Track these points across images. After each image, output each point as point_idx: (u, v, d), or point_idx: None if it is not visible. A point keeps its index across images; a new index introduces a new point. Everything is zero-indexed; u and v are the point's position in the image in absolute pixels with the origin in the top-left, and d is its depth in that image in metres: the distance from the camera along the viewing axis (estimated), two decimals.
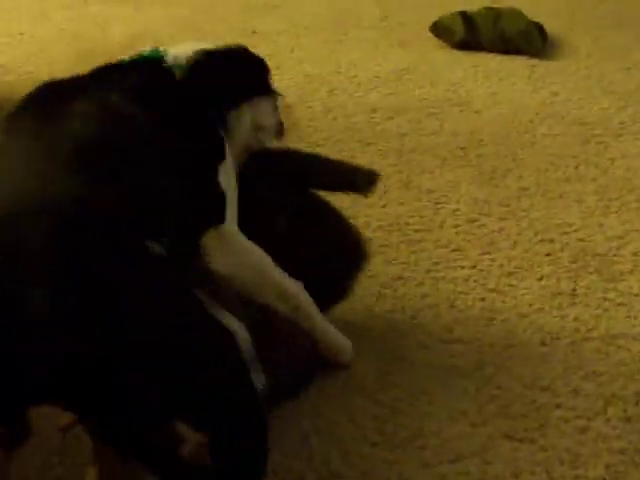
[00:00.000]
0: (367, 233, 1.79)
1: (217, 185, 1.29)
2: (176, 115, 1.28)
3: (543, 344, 1.51)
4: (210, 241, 1.26)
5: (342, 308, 1.54)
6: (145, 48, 1.41)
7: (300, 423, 1.34)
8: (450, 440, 1.32)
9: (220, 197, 1.28)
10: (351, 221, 1.51)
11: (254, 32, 2.77)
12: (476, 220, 1.84)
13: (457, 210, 1.87)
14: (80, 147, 1.13)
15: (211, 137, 1.33)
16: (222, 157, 1.32)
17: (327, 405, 1.37)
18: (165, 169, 1.21)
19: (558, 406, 1.39)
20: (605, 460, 1.29)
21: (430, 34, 2.67)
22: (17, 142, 1.18)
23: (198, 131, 1.31)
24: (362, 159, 2.05)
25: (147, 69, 1.36)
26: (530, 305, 1.60)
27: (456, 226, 1.82)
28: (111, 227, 1.03)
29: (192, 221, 1.23)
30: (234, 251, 1.28)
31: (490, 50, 2.61)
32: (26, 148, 1.16)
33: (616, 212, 1.86)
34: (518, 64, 2.55)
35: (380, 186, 1.92)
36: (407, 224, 1.83)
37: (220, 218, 1.27)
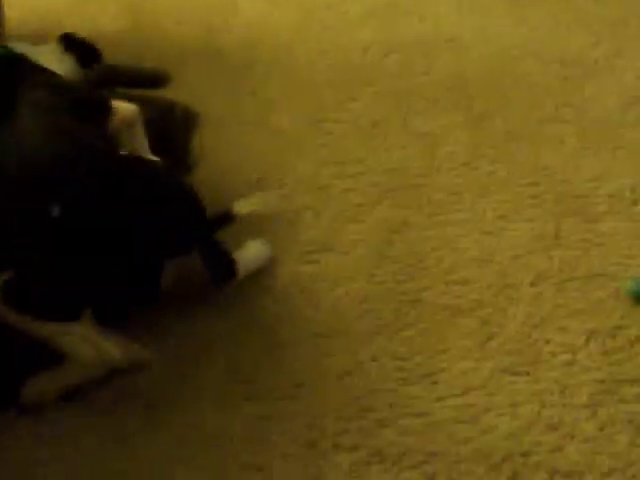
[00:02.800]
0: (372, 177, 1.99)
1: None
2: None
3: (533, 285, 1.74)
4: None
5: (358, 254, 1.77)
6: None
7: (335, 363, 1.57)
8: (458, 376, 1.56)
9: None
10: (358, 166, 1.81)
11: None
12: (469, 163, 2.04)
13: (452, 153, 2.07)
14: None
15: None
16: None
17: (354, 346, 1.60)
18: None
19: (548, 342, 1.63)
20: (588, 389, 1.54)
21: None
22: None
23: None
24: (362, 101, 2.23)
25: None
26: (521, 247, 1.83)
27: (452, 169, 2.02)
28: None
29: None
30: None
31: None
32: None
33: (594, 154, 2.07)
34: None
35: (382, 129, 2.13)
36: (408, 168, 2.02)
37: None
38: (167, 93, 1.93)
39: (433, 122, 2.17)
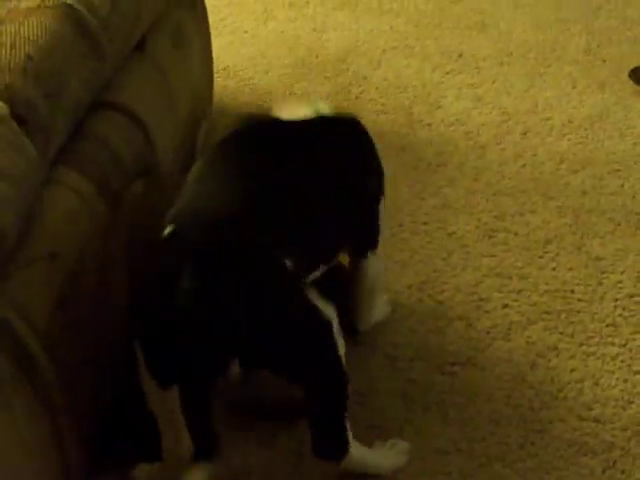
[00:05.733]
0: (534, 296, 2.02)
1: (378, 219, 1.78)
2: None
3: None
4: (370, 258, 1.80)
5: (498, 373, 1.80)
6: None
7: None
8: None
9: (379, 229, 1.80)
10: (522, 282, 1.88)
11: (460, 55, 2.96)
12: (635, 295, 2.03)
13: (620, 282, 2.06)
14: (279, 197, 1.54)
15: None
16: (383, 193, 1.78)
17: (471, 468, 1.64)
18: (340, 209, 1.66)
19: None
20: None
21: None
22: (222, 171, 1.59)
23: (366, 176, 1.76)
24: (541, 215, 2.25)
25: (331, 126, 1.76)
26: None
27: (615, 300, 2.01)
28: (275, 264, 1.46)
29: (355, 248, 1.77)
30: (378, 261, 1.82)
31: None
32: (231, 182, 1.55)
33: None
34: None
35: (555, 246, 2.15)
36: (572, 292, 2.03)
37: (377, 244, 1.80)
38: None
39: (609, 246, 2.16)
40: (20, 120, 1.45)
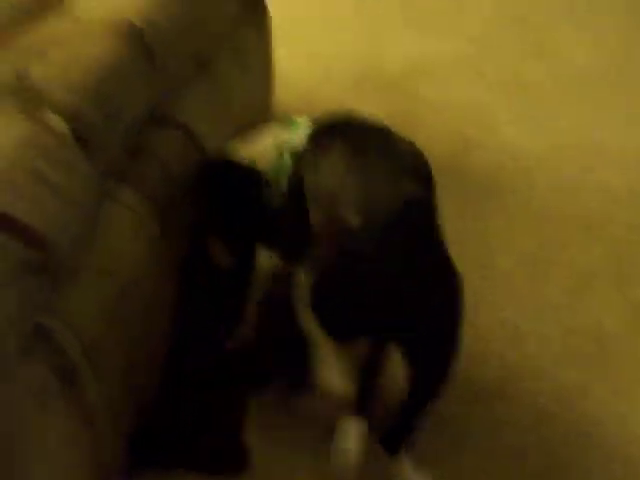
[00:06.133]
0: (568, 336, 2.03)
1: None
2: None
3: None
4: None
5: (521, 412, 1.84)
6: None
7: None
8: None
9: None
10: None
11: (520, 79, 2.98)
12: None
13: None
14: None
15: None
16: None
17: None
18: None
19: None
20: None
21: None
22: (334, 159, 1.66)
23: None
24: (578, 247, 2.25)
25: None
26: None
27: None
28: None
29: None
30: None
31: None
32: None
33: None
34: None
35: (594, 282, 2.15)
36: (605, 333, 2.04)
37: None
38: None
39: None
40: (80, 139, 1.51)
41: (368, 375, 1.76)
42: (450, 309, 1.53)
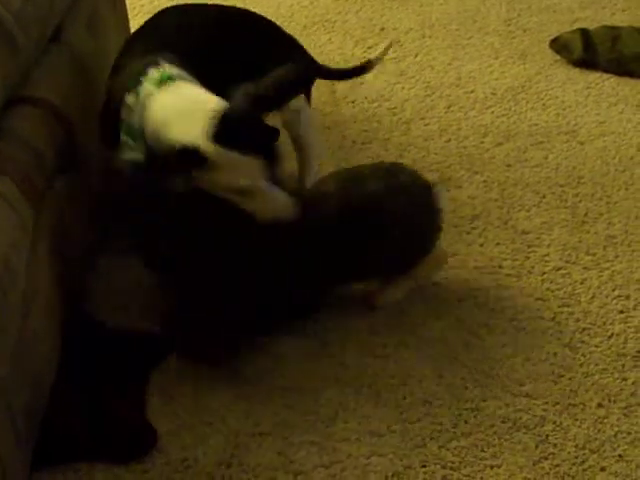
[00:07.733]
0: (463, 274, 2.04)
1: None
2: None
3: (600, 406, 1.75)
4: None
5: (431, 353, 1.82)
6: None
7: (383, 463, 1.63)
8: None
9: None
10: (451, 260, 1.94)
11: (382, 29, 2.96)
12: (562, 268, 2.06)
13: (546, 256, 2.09)
14: None
15: None
16: None
17: (406, 449, 1.66)
18: None
19: (603, 469, 1.64)
20: None
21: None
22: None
23: None
24: (467, 190, 2.27)
25: None
26: (596, 365, 1.83)
27: (543, 273, 2.05)
28: None
29: None
30: None
31: (606, 71, 2.75)
32: None
33: None
34: (630, 89, 2.68)
35: (482, 222, 2.17)
36: (500, 267, 2.06)
37: None
38: None
39: (535, 219, 2.19)
40: None
41: None
42: None
